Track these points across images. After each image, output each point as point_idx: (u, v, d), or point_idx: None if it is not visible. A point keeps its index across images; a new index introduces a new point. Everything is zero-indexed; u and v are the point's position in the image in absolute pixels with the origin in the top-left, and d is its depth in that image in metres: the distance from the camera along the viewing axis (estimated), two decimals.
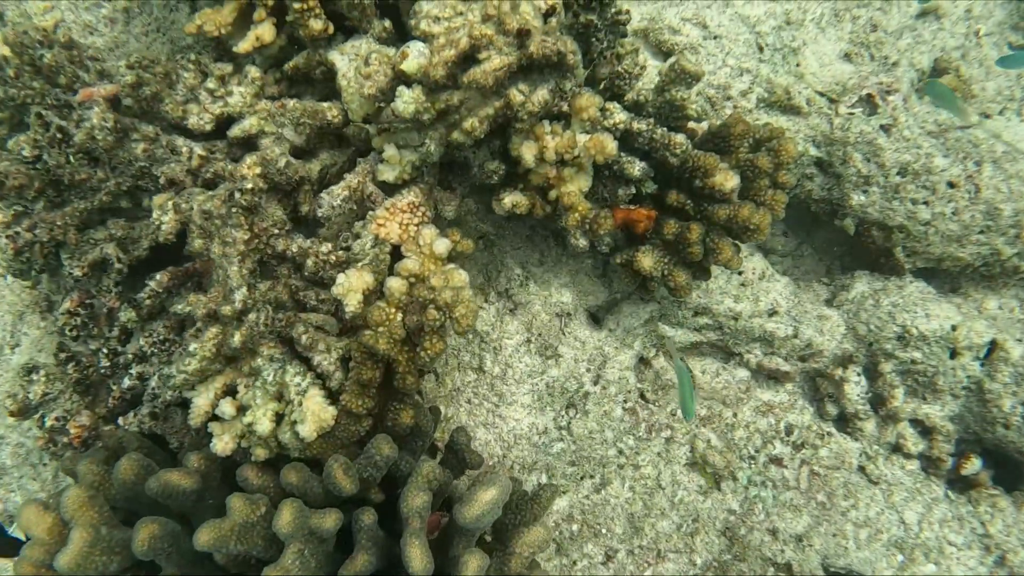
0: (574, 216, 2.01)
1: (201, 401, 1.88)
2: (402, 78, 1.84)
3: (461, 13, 1.91)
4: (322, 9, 2.17)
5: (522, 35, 1.78)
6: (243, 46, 2.14)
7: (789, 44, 2.64)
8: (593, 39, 2.02)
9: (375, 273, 1.90)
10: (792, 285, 2.62)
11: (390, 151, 1.96)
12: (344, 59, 2.19)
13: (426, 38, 1.90)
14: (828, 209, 2.68)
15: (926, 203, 2.52)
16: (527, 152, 1.93)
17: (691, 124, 2.14)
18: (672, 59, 2.07)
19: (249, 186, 1.84)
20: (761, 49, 2.63)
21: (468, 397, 2.39)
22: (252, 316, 1.84)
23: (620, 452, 2.43)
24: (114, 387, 2.15)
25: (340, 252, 1.94)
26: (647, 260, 2.17)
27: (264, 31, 2.14)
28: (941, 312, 2.54)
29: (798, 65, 2.65)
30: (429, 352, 1.77)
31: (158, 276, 2.08)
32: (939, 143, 2.55)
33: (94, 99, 2.23)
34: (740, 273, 2.53)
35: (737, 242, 2.23)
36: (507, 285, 2.43)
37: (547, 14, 2.08)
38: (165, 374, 1.96)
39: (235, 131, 2.16)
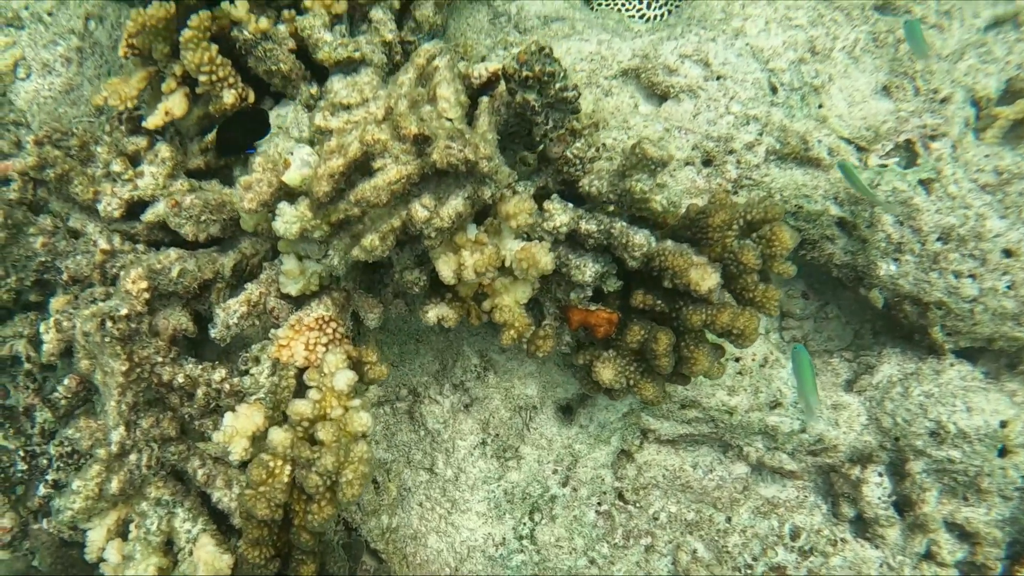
0: (509, 334, 1.70)
1: (95, 536, 1.72)
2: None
3: (366, 101, 1.60)
4: (239, 77, 1.89)
5: (421, 141, 1.46)
6: (152, 121, 1.90)
7: (810, 81, 2.19)
8: (535, 120, 1.67)
9: (273, 407, 1.66)
10: None
11: (289, 264, 1.69)
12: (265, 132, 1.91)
13: (322, 135, 1.60)
14: (852, 276, 2.25)
15: (973, 276, 2.07)
16: (444, 268, 1.62)
17: (659, 205, 1.77)
18: (635, 142, 1.70)
19: (124, 312, 1.61)
20: (775, 89, 2.19)
21: (420, 500, 2.15)
22: (133, 457, 1.64)
23: (592, 562, 2.15)
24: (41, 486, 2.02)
25: (236, 379, 1.71)
26: (607, 372, 1.85)
27: (174, 104, 1.88)
28: (988, 405, 2.11)
29: (820, 106, 2.20)
30: (316, 518, 1.52)
31: (66, 381, 1.92)
32: (995, 200, 2.08)
33: (8, 174, 2.05)
34: (737, 360, 2.17)
35: (719, 345, 1.88)
36: (463, 377, 2.15)
37: (485, 88, 1.75)
38: (56, 506, 1.80)
39: (148, 216, 1.94)
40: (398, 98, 1.52)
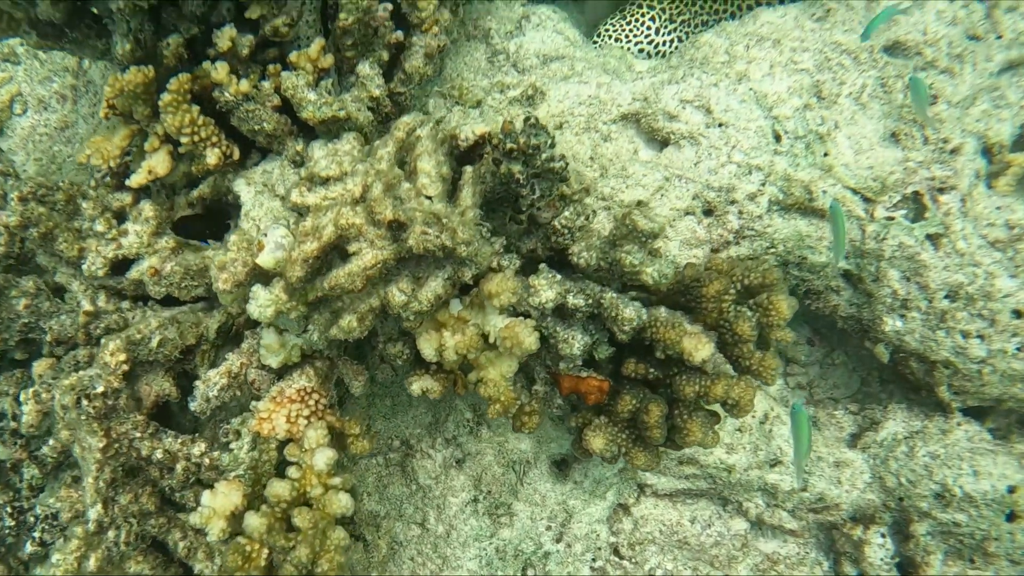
0: (495, 408, 1.65)
1: None
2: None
3: (344, 175, 1.55)
4: (223, 134, 1.86)
5: (396, 227, 1.41)
6: (135, 180, 1.87)
7: (815, 128, 2.11)
8: (520, 192, 1.61)
9: (254, 483, 1.63)
10: None
11: (269, 338, 1.65)
12: (250, 190, 1.89)
13: (299, 212, 1.56)
14: (858, 328, 2.18)
15: (981, 337, 2.00)
16: (425, 347, 1.57)
17: (650, 277, 1.70)
18: (626, 210, 1.64)
19: (100, 390, 1.59)
20: (778, 137, 2.11)
21: (412, 554, 2.12)
22: (112, 534, 1.62)
23: None
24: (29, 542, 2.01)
25: (216, 454, 1.68)
26: (597, 441, 1.80)
27: (158, 163, 1.85)
28: (995, 469, 2.04)
29: (826, 154, 2.12)
30: None
31: (52, 441, 1.90)
32: (1005, 258, 2.00)
33: None
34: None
35: (714, 412, 1.83)
36: (455, 432, 2.11)
37: (473, 149, 1.69)
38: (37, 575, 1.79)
39: (133, 275, 1.91)
40: (376, 176, 1.47)
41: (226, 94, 1.74)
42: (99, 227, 1.87)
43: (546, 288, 1.59)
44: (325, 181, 1.55)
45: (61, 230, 1.94)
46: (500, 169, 1.59)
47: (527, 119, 1.56)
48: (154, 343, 1.68)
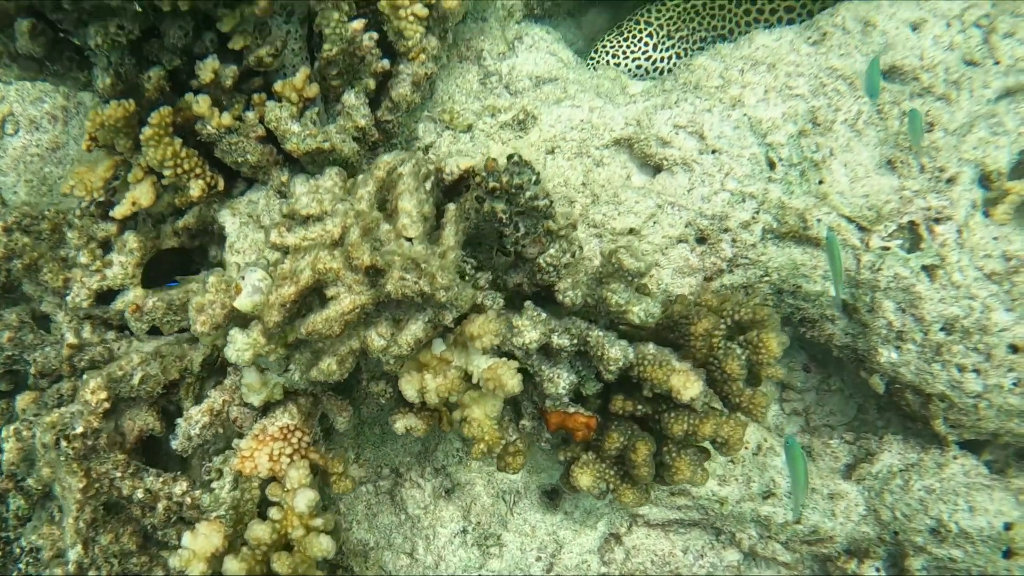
0: (479, 448, 1.63)
1: None
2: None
3: (324, 215, 1.53)
4: (207, 165, 1.84)
5: (374, 273, 1.39)
6: (119, 211, 1.85)
7: (810, 156, 2.08)
8: (503, 231, 1.58)
9: (235, 523, 1.61)
10: None
11: (250, 378, 1.63)
12: (235, 221, 1.87)
13: (277, 251, 1.54)
14: (853, 358, 2.15)
15: (977, 371, 1.96)
16: (407, 388, 1.55)
17: (637, 317, 1.67)
18: (612, 247, 1.62)
19: (79, 431, 1.57)
20: (772, 165, 2.08)
21: None
22: (92, 574, 1.60)
23: None
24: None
25: (197, 492, 1.66)
26: (585, 478, 1.78)
27: (141, 194, 1.83)
28: (992, 505, 2.01)
29: (821, 182, 2.09)
30: None
31: (37, 474, 1.88)
32: (1002, 291, 1.96)
33: None
34: None
35: (704, 448, 1.80)
36: (444, 461, 2.09)
37: (458, 183, 1.67)
38: None
39: (118, 306, 1.89)
40: (355, 218, 1.45)
41: (208, 127, 1.72)
42: (83, 259, 1.85)
43: (530, 329, 1.57)
44: (306, 219, 1.53)
45: (46, 260, 1.93)
46: (483, 207, 1.57)
47: (510, 157, 1.53)
48: (136, 380, 1.67)
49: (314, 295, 1.48)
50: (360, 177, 1.56)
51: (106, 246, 1.94)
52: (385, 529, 2.14)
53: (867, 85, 1.80)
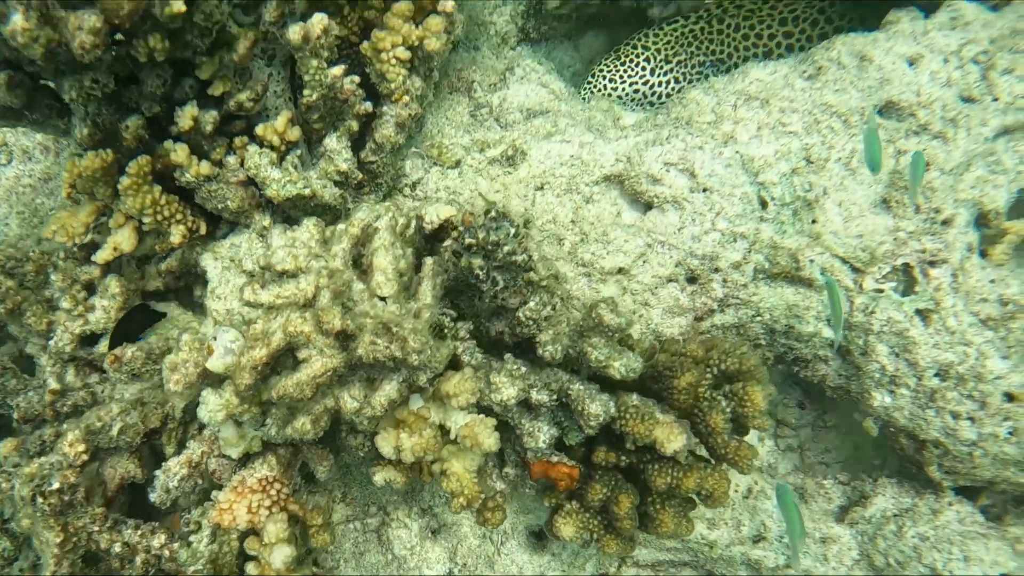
0: (458, 502, 1.61)
1: None
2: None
3: (299, 272, 1.51)
4: (188, 210, 1.82)
5: (345, 337, 1.37)
6: (101, 256, 1.85)
7: (803, 195, 2.04)
8: (480, 287, 1.56)
9: None
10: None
11: (227, 432, 1.61)
12: (216, 266, 1.86)
13: (253, 308, 1.52)
14: (847, 399, 2.11)
15: (972, 419, 1.92)
16: (384, 445, 1.53)
17: (617, 372, 1.63)
18: (594, 300, 1.59)
19: (55, 487, 1.57)
20: (764, 204, 2.04)
21: None
22: None
23: None
24: None
25: (175, 545, 1.65)
26: (568, 528, 1.75)
27: (123, 239, 1.82)
28: (987, 555, 1.96)
29: (814, 221, 2.05)
30: None
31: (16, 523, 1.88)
32: (997, 337, 1.92)
33: None
34: None
35: (690, 500, 1.78)
36: (431, 501, 2.08)
37: (439, 232, 1.65)
38: None
39: (102, 348, 1.89)
40: (327, 278, 1.43)
41: (187, 175, 1.71)
42: (65, 304, 1.85)
43: (507, 386, 1.54)
44: (282, 274, 1.51)
45: (29, 303, 1.92)
46: (460, 263, 1.54)
47: (487, 211, 1.51)
48: (114, 431, 1.66)
49: (288, 353, 1.46)
50: (337, 230, 1.54)
51: (90, 288, 1.94)
52: (372, 567, 2.13)
53: (868, 158, 1.76)
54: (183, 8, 1.42)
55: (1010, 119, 2.02)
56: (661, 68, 2.74)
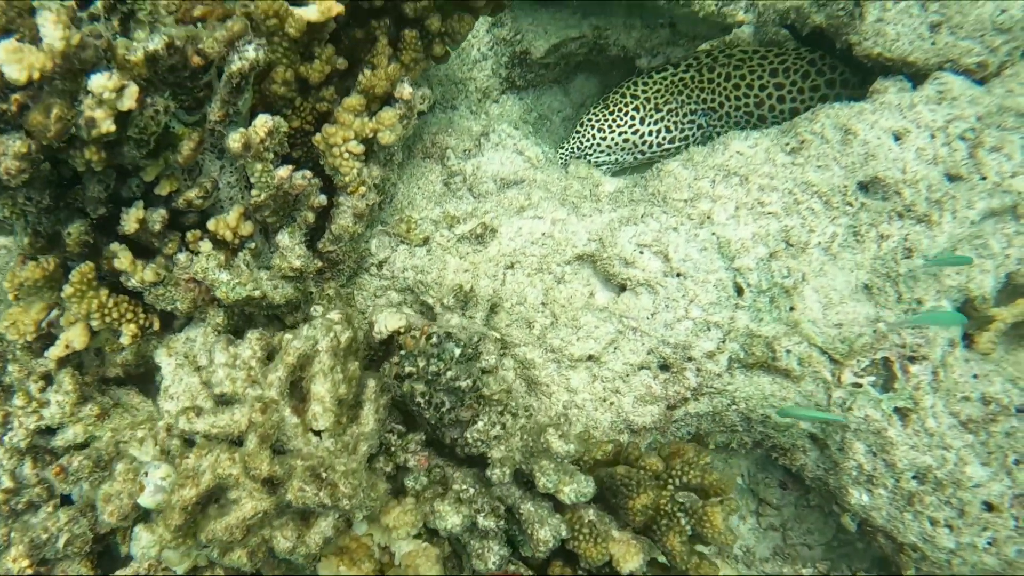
0: None
1: None
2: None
3: (235, 399, 1.47)
4: (140, 308, 1.79)
5: (273, 483, 1.32)
6: (54, 353, 1.81)
7: (780, 281, 1.96)
8: (423, 413, 1.50)
9: None
10: None
11: (169, 553, 1.58)
12: (170, 363, 1.82)
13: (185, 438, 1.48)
14: (825, 491, 2.04)
15: (950, 527, 1.84)
16: (325, 572, 1.49)
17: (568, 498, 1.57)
18: (543, 424, 1.53)
19: None
20: (740, 291, 1.96)
21: None
22: None
23: None
24: None
25: None
26: None
27: (74, 337, 1.79)
28: None
29: (792, 309, 1.96)
30: None
31: None
32: (977, 442, 1.83)
33: None
34: None
35: None
36: None
37: (388, 343, 1.60)
38: None
39: (58, 442, 1.87)
40: (261, 412, 1.38)
41: (131, 281, 1.67)
42: (19, 401, 1.82)
43: (451, 514, 1.49)
44: (220, 397, 1.47)
45: None
46: (403, 388, 1.49)
47: (429, 337, 1.45)
48: (61, 543, 1.64)
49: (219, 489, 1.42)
50: (272, 365, 1.49)
51: (48, 379, 1.91)
52: None
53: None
54: (112, 128, 1.37)
55: (996, 202, 1.92)
56: (651, 116, 2.66)
